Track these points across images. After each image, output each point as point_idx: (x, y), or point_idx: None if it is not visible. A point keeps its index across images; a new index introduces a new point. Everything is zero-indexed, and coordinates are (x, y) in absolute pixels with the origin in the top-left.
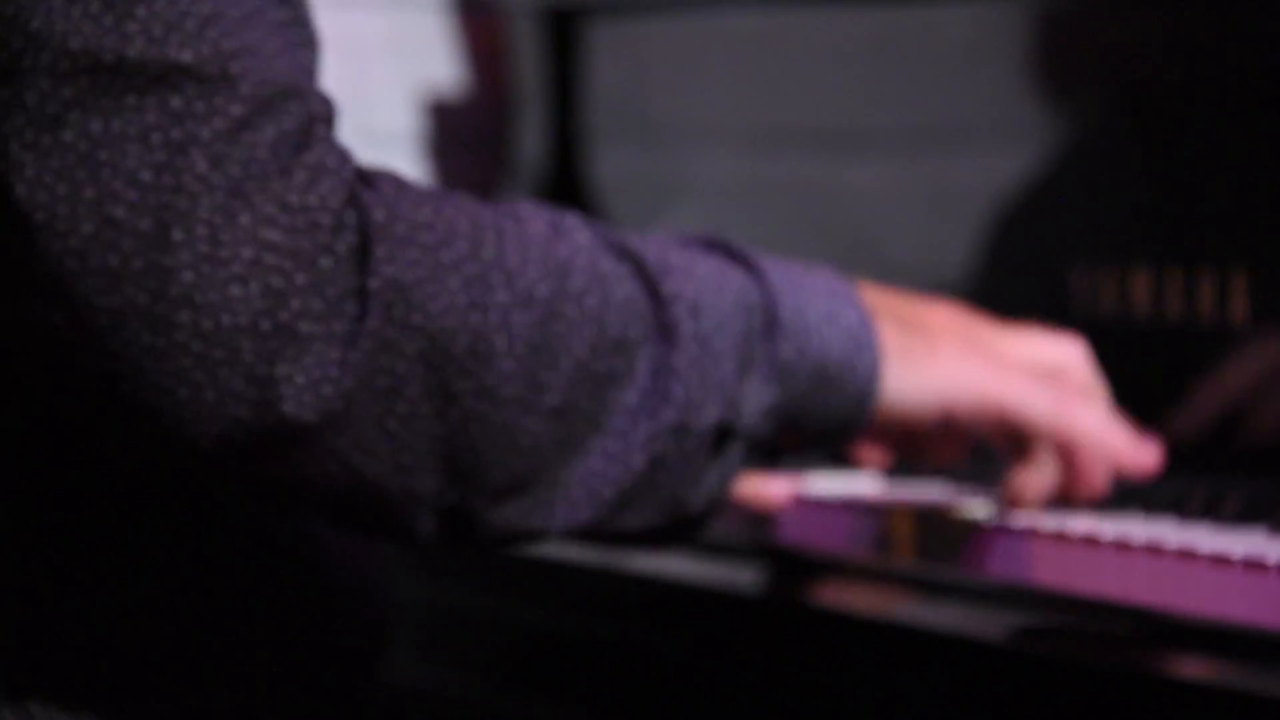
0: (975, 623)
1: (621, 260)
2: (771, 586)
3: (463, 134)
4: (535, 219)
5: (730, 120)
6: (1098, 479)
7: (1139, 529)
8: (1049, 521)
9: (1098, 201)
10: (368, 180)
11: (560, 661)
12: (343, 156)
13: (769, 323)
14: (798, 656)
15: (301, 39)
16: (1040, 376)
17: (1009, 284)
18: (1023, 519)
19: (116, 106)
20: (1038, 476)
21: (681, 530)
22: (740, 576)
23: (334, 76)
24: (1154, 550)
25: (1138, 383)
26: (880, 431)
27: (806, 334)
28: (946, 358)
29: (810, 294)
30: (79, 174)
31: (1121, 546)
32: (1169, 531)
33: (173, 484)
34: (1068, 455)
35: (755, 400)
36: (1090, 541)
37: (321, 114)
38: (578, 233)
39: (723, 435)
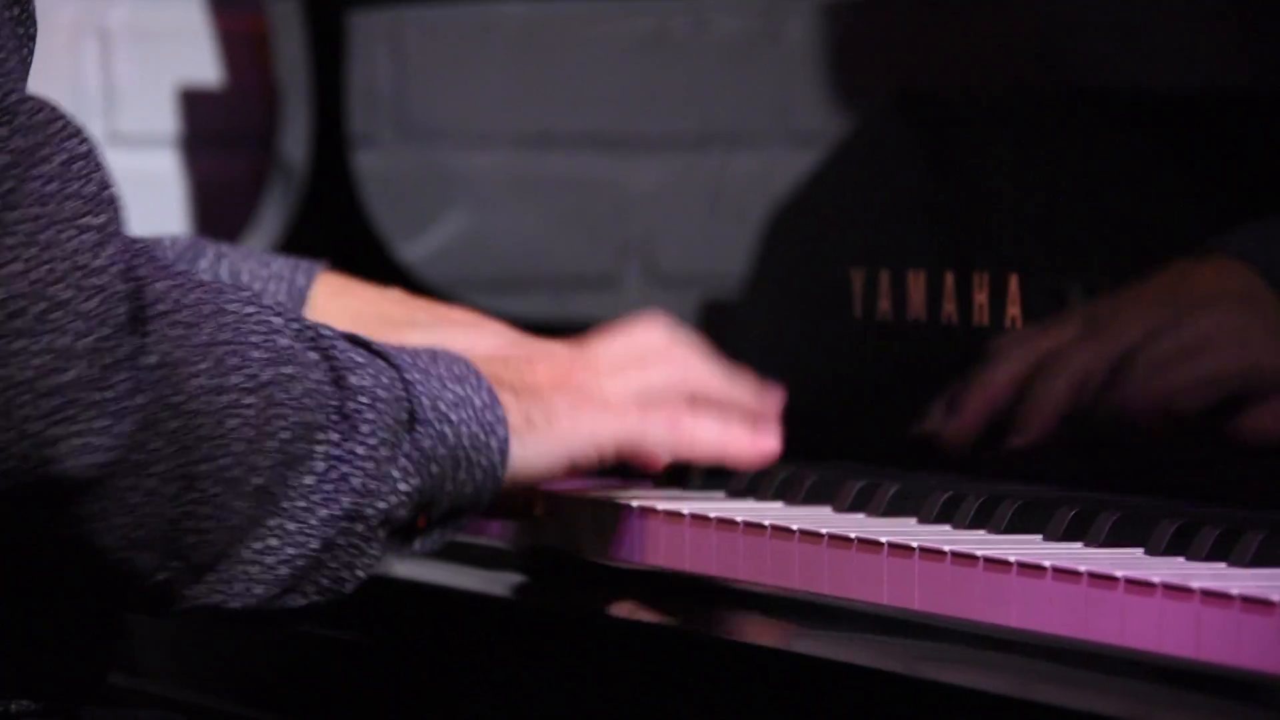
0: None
1: (312, 346)
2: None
3: (222, 132)
4: (236, 298)
5: (502, 115)
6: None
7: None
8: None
9: (875, 203)
10: (133, 250)
11: (322, 670)
12: (119, 218)
13: (410, 415)
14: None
15: (27, 37)
16: (645, 403)
17: (786, 284)
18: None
19: None
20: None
21: (324, 605)
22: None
23: (79, 72)
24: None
25: (914, 384)
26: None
27: (442, 423)
28: (562, 417)
29: (440, 381)
30: None
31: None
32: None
33: None
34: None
35: (399, 490)
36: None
37: (85, 145)
38: (273, 315)
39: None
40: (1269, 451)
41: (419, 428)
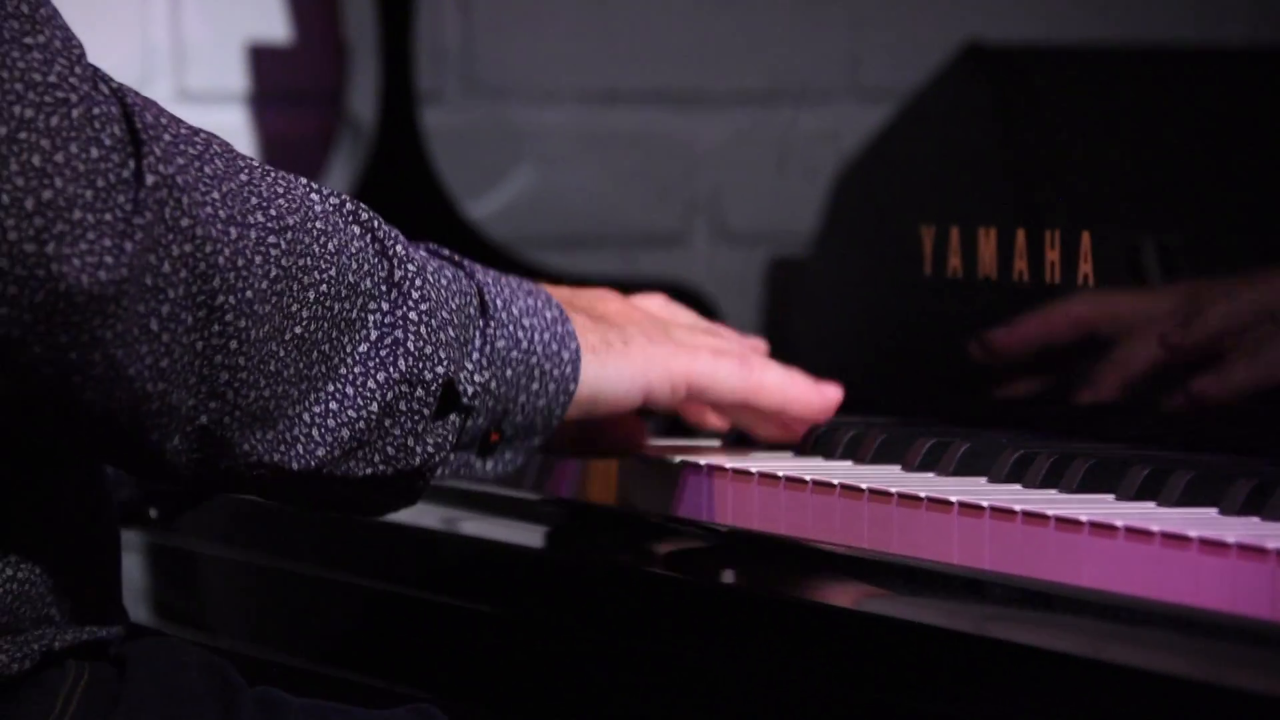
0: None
1: (352, 218)
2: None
3: (291, 89)
4: (256, 162)
5: (569, 71)
6: (785, 425)
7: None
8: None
9: (945, 159)
10: (119, 87)
11: (389, 626)
12: (71, 38)
13: (482, 309)
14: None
15: None
16: (717, 350)
17: (855, 242)
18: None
19: None
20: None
21: (400, 491)
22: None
23: (148, 29)
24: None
25: (984, 340)
26: (579, 419)
27: (515, 326)
28: (639, 344)
29: (511, 290)
30: None
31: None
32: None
33: None
34: (752, 410)
35: (471, 381)
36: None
37: None
38: (307, 185)
39: (445, 402)
40: None
41: (491, 323)
